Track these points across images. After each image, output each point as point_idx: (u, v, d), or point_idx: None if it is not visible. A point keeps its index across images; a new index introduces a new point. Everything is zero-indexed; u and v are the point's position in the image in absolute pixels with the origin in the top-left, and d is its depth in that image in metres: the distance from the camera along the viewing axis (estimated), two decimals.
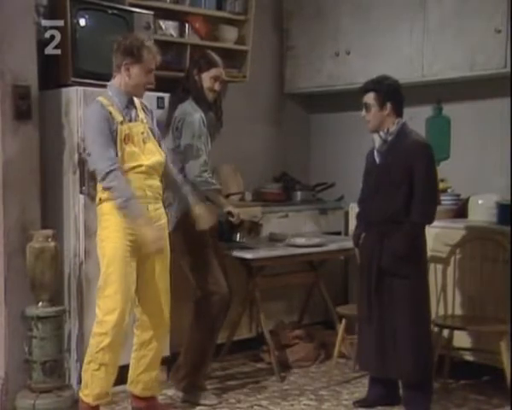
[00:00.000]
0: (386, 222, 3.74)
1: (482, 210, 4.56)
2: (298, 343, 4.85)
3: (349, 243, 4.26)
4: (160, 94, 4.36)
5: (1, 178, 3.93)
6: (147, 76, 3.65)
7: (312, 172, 6.15)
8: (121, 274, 3.57)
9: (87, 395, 3.62)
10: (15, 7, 3.94)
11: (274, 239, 4.83)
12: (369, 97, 3.79)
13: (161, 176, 3.76)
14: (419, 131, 5.15)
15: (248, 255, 4.42)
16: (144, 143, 3.67)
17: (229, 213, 4.23)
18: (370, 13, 5.27)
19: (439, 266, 4.40)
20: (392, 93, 3.81)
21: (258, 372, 4.68)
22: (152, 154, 3.68)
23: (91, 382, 3.60)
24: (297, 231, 5.12)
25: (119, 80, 3.66)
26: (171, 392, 4.23)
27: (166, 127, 4.09)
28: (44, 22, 4.19)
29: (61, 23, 4.13)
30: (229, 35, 5.37)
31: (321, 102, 6.07)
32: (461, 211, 4.77)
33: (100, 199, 3.63)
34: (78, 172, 4.02)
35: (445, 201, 4.91)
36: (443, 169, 5.08)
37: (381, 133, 3.78)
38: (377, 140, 3.81)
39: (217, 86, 4.15)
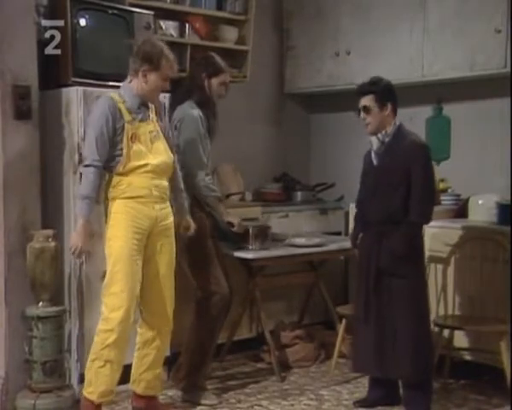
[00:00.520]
0: (384, 222, 3.75)
1: (482, 210, 4.56)
2: (298, 343, 4.85)
3: (349, 243, 4.26)
4: (161, 94, 4.35)
5: (1, 178, 3.93)
6: (163, 83, 3.70)
7: (312, 172, 6.16)
8: (127, 272, 3.59)
9: (91, 392, 3.61)
10: (16, 7, 3.94)
11: (274, 239, 4.83)
12: (368, 99, 3.77)
13: (169, 177, 3.78)
14: (419, 132, 5.16)
15: (249, 255, 4.42)
16: (152, 142, 3.69)
17: (230, 224, 4.23)
18: (370, 13, 5.27)
19: (439, 266, 4.40)
20: (390, 93, 3.83)
21: (258, 372, 4.68)
22: (159, 153, 3.70)
23: (96, 379, 3.60)
24: (297, 231, 5.12)
25: (135, 84, 3.69)
26: (171, 392, 4.23)
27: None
28: (44, 22, 4.18)
29: (61, 23, 4.12)
30: (230, 35, 5.37)
31: (321, 102, 6.07)
32: (461, 211, 4.78)
33: (107, 198, 3.66)
34: (78, 172, 4.02)
35: (446, 201, 4.91)
36: (443, 169, 5.10)
37: (379, 135, 3.78)
38: (375, 142, 3.81)
39: (223, 91, 4.19)
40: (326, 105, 6.02)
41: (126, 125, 3.61)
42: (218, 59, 4.24)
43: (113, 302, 3.59)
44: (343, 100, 5.58)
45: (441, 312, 4.31)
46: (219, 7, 5.33)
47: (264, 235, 4.56)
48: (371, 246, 3.79)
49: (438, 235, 4.53)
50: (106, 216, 3.68)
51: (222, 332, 4.45)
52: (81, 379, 3.84)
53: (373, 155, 3.84)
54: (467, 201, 4.74)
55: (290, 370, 4.71)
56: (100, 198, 3.68)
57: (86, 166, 3.59)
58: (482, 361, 4.31)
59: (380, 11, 5.21)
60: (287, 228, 5.17)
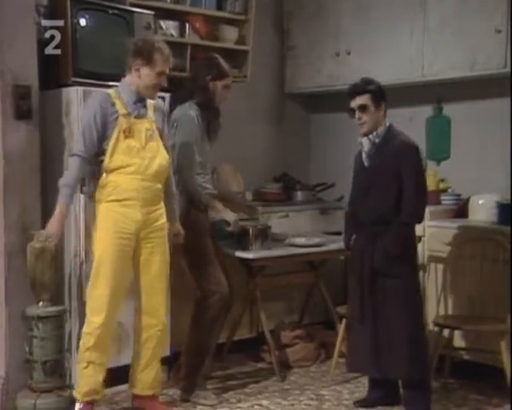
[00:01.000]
0: (377, 223, 3.76)
1: (482, 210, 4.57)
2: (298, 343, 4.85)
3: None
4: (161, 93, 4.35)
5: (1, 177, 3.93)
6: (157, 78, 3.68)
7: (312, 172, 6.15)
8: (109, 277, 3.60)
9: (78, 392, 3.70)
10: (16, 7, 3.94)
11: (274, 239, 4.82)
12: (365, 99, 3.78)
13: (163, 179, 3.76)
14: (419, 131, 5.19)
15: (249, 255, 4.42)
16: (147, 140, 3.67)
17: (226, 222, 4.22)
18: (371, 13, 5.27)
19: (440, 266, 4.41)
20: (383, 93, 3.84)
21: (258, 372, 4.68)
22: (153, 153, 3.68)
23: (80, 380, 3.69)
24: (297, 231, 5.11)
25: (129, 80, 3.70)
26: (171, 391, 4.23)
27: None
28: (44, 22, 4.19)
29: (61, 23, 4.13)
30: (230, 35, 5.37)
31: (321, 102, 6.07)
32: (461, 211, 4.78)
33: (95, 199, 3.67)
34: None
35: (446, 201, 4.91)
36: (443, 169, 5.10)
37: (370, 136, 3.79)
38: (366, 143, 3.81)
39: (227, 94, 4.19)
40: (326, 105, 6.01)
41: (120, 117, 3.61)
42: (223, 61, 4.23)
43: (94, 306, 3.62)
44: (343, 100, 5.55)
45: (441, 312, 4.30)
46: (219, 7, 5.32)
47: (265, 235, 4.56)
48: (365, 247, 3.79)
49: (438, 235, 4.53)
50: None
51: (222, 332, 4.47)
52: None
53: (364, 156, 3.85)
54: (467, 201, 4.74)
55: (290, 370, 4.71)
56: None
57: (71, 155, 3.65)
58: (482, 361, 4.31)
59: (380, 11, 5.21)
60: (287, 228, 5.16)
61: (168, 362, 4.33)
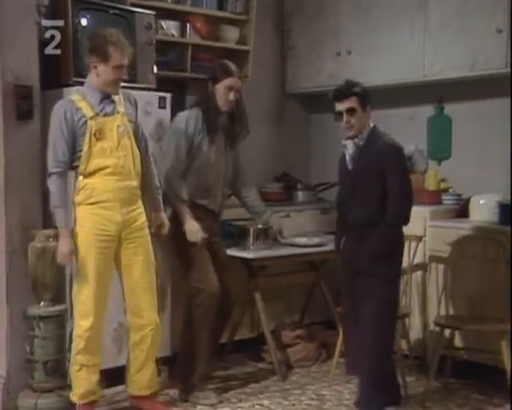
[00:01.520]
0: (364, 225, 3.71)
1: (483, 210, 4.56)
2: (299, 343, 4.85)
3: None
4: (162, 94, 4.37)
5: (2, 177, 3.93)
6: (115, 73, 3.60)
7: (313, 171, 6.15)
8: (92, 281, 3.60)
9: (74, 394, 3.71)
10: (17, 7, 3.94)
11: (275, 239, 4.82)
12: (353, 101, 3.72)
13: (139, 176, 3.73)
14: (419, 131, 5.20)
15: (249, 255, 4.42)
16: (119, 138, 3.64)
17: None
18: (371, 13, 5.27)
19: (440, 266, 4.41)
20: (368, 95, 3.79)
21: (259, 372, 4.68)
22: (127, 151, 3.65)
23: (75, 382, 3.70)
24: (298, 231, 5.11)
25: (90, 79, 3.67)
26: (172, 391, 4.23)
27: None
28: (44, 22, 4.18)
29: (60, 23, 4.13)
30: (231, 35, 5.37)
31: (322, 102, 6.04)
32: (462, 211, 4.77)
33: (73, 202, 3.66)
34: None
35: (447, 200, 4.91)
36: (444, 169, 5.10)
37: (356, 139, 3.74)
38: (350, 146, 3.76)
39: (231, 96, 4.10)
40: (327, 105, 5.95)
41: (89, 121, 3.58)
42: (226, 63, 4.19)
43: (81, 310, 3.63)
44: None
45: (442, 312, 4.30)
46: (220, 7, 5.33)
47: (265, 235, 4.56)
48: (353, 250, 3.75)
49: (439, 235, 4.53)
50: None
51: (223, 332, 4.46)
52: None
53: (348, 158, 3.79)
54: (468, 200, 4.74)
55: (291, 370, 4.71)
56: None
57: (50, 175, 3.60)
58: (483, 361, 4.30)
59: (381, 11, 5.21)
60: (288, 228, 5.16)
61: (168, 362, 4.33)
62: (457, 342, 4.33)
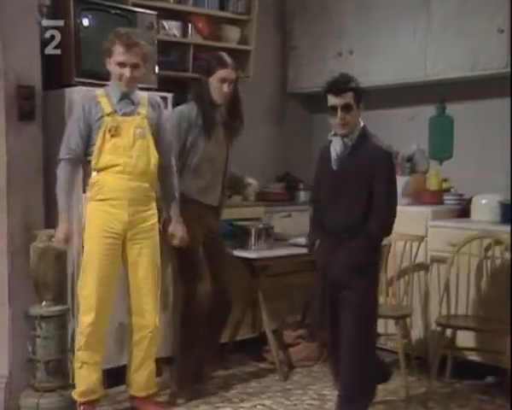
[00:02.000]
0: (344, 232, 3.52)
1: (485, 210, 4.56)
2: (301, 343, 4.85)
3: None
4: (164, 94, 4.36)
5: (5, 178, 3.94)
6: (119, 69, 3.63)
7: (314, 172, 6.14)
8: (96, 276, 3.62)
9: (75, 392, 3.72)
10: (18, 7, 3.94)
11: (277, 239, 4.83)
12: (349, 96, 3.49)
13: (153, 178, 3.74)
14: (421, 131, 5.20)
15: (251, 255, 4.42)
16: (136, 138, 3.65)
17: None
18: (373, 13, 5.27)
19: (442, 266, 4.40)
20: (362, 91, 3.59)
21: (260, 372, 4.68)
22: (141, 151, 3.66)
23: (77, 380, 3.71)
24: (300, 231, 5.11)
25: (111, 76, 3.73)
26: (172, 391, 4.23)
27: None
28: (44, 22, 4.19)
29: (60, 23, 4.14)
30: (232, 35, 5.38)
31: (323, 102, 6.04)
32: (464, 211, 4.78)
33: (86, 197, 3.70)
34: (81, 172, 4.02)
35: (448, 200, 4.92)
36: (446, 169, 5.10)
37: (346, 139, 3.53)
38: (339, 145, 3.54)
39: (225, 88, 4.05)
40: None
41: (106, 117, 3.61)
42: (219, 55, 4.14)
43: (83, 305, 3.65)
44: None
45: (443, 311, 4.30)
46: (222, 7, 5.33)
47: (267, 235, 4.57)
48: (329, 258, 3.57)
49: (440, 234, 4.53)
50: None
51: (224, 332, 4.46)
52: None
53: (333, 157, 3.57)
54: (470, 200, 4.74)
55: (293, 369, 4.71)
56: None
57: (59, 160, 3.66)
58: (485, 361, 4.31)
59: (382, 11, 5.21)
60: (290, 228, 5.16)
61: (169, 362, 4.33)
62: (459, 342, 4.33)
